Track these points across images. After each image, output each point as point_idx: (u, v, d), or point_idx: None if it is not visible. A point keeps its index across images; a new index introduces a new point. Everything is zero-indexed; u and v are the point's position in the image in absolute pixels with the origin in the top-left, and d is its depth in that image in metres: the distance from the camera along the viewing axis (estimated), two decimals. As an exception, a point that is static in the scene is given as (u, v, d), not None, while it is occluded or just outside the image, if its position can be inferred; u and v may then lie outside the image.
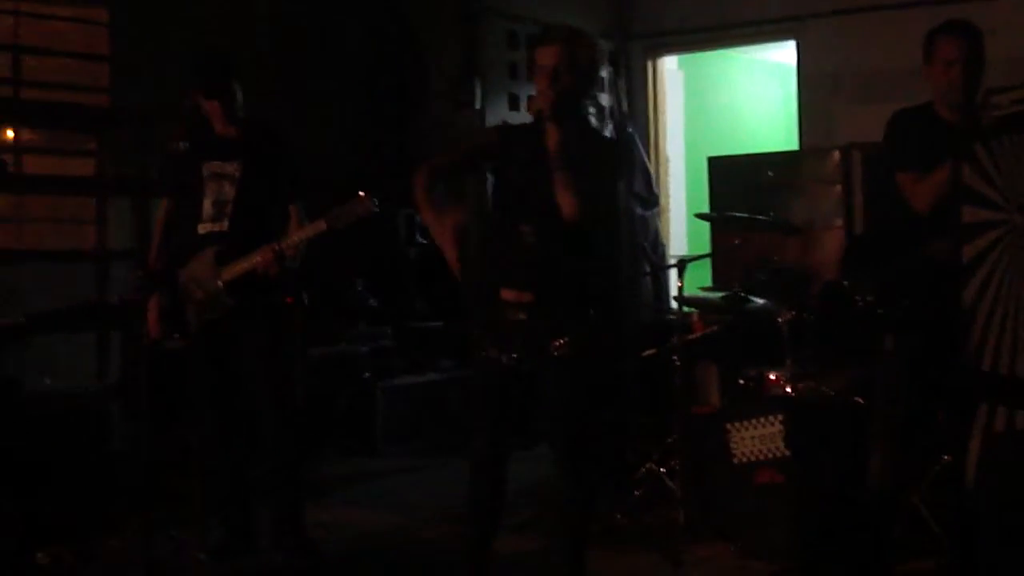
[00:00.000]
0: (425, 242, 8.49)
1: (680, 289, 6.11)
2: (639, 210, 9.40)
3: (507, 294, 4.46)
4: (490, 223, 4.63)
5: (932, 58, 4.82)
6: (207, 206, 5.26)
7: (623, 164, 4.95)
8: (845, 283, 5.23)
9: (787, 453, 5.36)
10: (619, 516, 5.88)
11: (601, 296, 4.58)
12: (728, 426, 5.54)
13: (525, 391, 4.48)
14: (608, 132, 9.32)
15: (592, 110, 4.59)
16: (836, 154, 8.07)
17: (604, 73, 9.58)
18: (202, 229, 5.27)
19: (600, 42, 4.75)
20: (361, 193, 5.01)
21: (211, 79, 5.24)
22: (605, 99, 9.56)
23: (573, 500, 4.53)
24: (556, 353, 4.37)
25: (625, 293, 8.85)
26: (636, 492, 6.05)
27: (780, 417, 5.40)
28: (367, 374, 7.92)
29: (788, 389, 5.67)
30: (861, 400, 5.41)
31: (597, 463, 4.74)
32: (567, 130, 4.36)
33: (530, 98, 4.52)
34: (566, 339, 4.36)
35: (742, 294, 6.15)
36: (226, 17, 7.29)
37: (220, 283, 5.17)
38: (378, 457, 7.74)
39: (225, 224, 5.23)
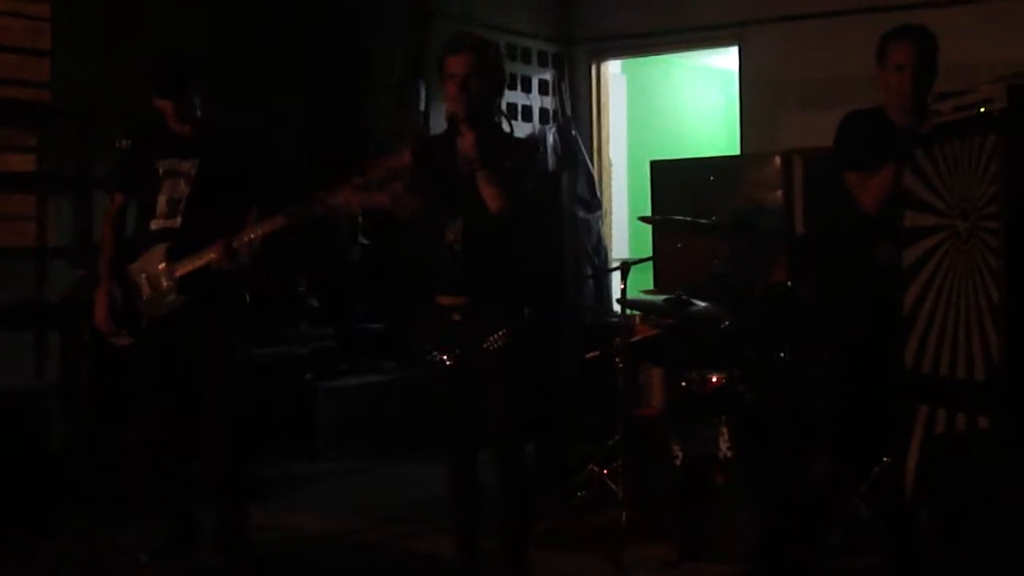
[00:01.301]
0: (367, 243, 8.47)
1: (623, 291, 6.13)
2: (582, 213, 9.43)
3: (442, 299, 4.60)
4: (417, 233, 4.72)
5: (884, 61, 4.88)
6: (161, 203, 5.23)
7: (539, 162, 5.11)
8: (788, 284, 5.28)
9: (728, 455, 5.41)
10: (561, 517, 5.89)
11: (536, 293, 4.67)
12: (670, 428, 5.57)
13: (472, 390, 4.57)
14: (552, 135, 9.36)
15: (502, 115, 4.70)
16: (777, 159, 8.11)
17: (548, 76, 9.63)
18: (155, 225, 5.23)
19: (504, 50, 4.95)
20: (320, 192, 5.01)
21: (161, 79, 5.21)
22: (548, 102, 9.59)
23: (512, 498, 4.62)
24: (491, 348, 4.48)
25: (567, 294, 8.86)
26: (579, 493, 6.06)
27: (722, 419, 5.45)
28: (308, 375, 7.88)
29: (730, 391, 5.71)
30: (802, 402, 5.46)
31: (532, 461, 4.79)
32: (482, 133, 4.44)
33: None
34: (500, 333, 4.48)
35: (684, 297, 6.18)
36: (166, 15, 7.23)
37: (171, 279, 5.14)
38: (318, 459, 7.70)
39: (178, 221, 5.20)
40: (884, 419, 4.74)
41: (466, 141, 4.51)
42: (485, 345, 4.49)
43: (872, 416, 4.85)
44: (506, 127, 4.63)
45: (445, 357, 4.59)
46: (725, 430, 5.45)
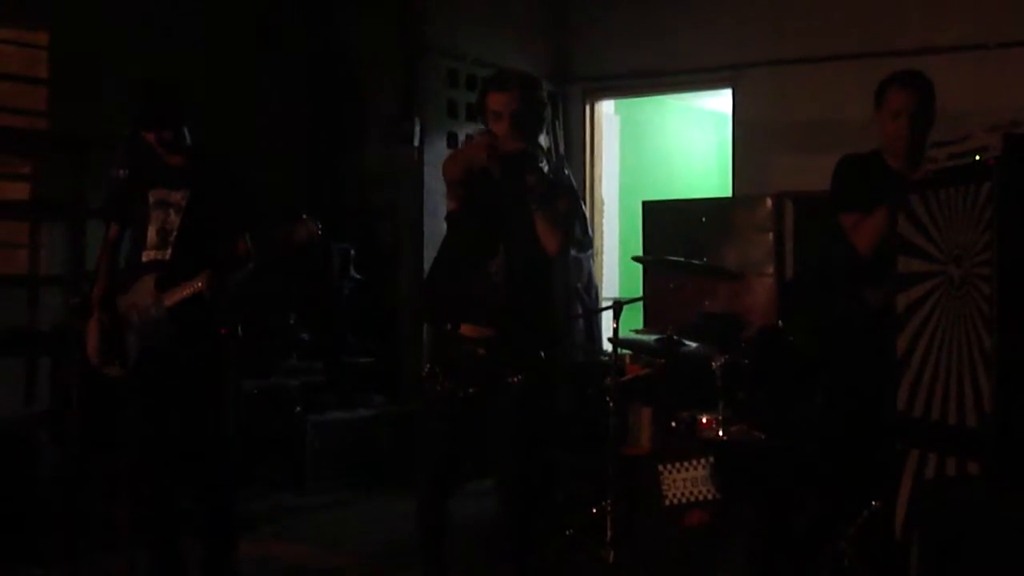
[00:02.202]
0: (359, 277, 8.48)
1: (615, 331, 6.15)
2: (573, 252, 9.44)
3: (467, 330, 4.52)
4: (447, 260, 4.66)
5: (881, 107, 4.92)
6: (152, 234, 5.19)
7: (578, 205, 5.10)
8: (780, 324, 5.29)
9: (718, 496, 5.41)
10: (550, 555, 5.87)
11: (554, 332, 4.65)
12: (660, 468, 5.57)
13: (475, 426, 4.51)
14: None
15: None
16: (768, 202, 8.15)
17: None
18: (146, 257, 5.20)
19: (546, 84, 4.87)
20: (303, 216, 5.00)
21: (144, 111, 5.18)
22: (542, 140, 9.60)
23: (516, 537, 4.56)
24: (514, 387, 4.41)
25: (559, 333, 8.87)
26: (568, 532, 6.05)
27: (712, 460, 5.45)
28: (298, 408, 7.88)
29: (720, 432, 5.72)
30: (793, 444, 5.46)
31: (541, 499, 4.75)
32: (535, 172, 4.42)
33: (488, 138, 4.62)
34: (523, 373, 4.41)
35: (676, 337, 6.19)
36: (164, 47, 7.27)
37: (161, 309, 5.12)
38: (307, 492, 7.69)
39: (168, 252, 5.17)
40: (875, 462, 4.75)
41: (527, 178, 4.43)
42: (509, 383, 4.44)
43: (863, 459, 4.86)
44: (545, 167, 4.56)
45: (457, 390, 4.52)
46: (715, 471, 5.46)
